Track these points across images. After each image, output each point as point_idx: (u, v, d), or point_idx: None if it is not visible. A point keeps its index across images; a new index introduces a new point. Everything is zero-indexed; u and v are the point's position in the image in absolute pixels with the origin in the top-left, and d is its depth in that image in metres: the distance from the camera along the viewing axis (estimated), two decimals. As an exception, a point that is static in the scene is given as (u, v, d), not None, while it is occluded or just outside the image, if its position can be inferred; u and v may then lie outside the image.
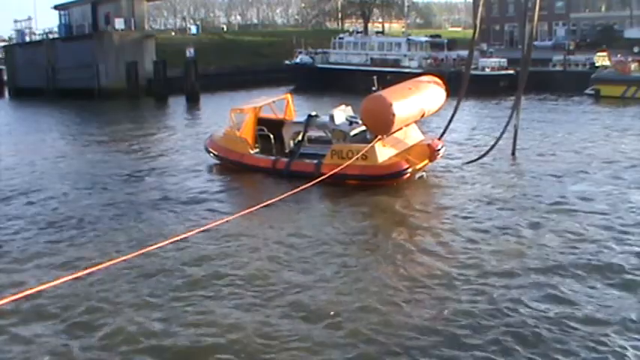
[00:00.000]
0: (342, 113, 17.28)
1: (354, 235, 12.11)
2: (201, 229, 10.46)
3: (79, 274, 7.88)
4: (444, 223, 12.79)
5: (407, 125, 16.49)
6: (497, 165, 17.76)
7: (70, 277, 7.54)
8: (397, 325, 8.38)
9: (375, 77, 17.57)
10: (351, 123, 16.87)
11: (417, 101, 16.24)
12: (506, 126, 18.54)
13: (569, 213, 13.18)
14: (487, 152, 17.97)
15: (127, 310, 9.01)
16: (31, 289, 7.37)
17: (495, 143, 18.13)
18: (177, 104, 40.49)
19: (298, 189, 12.53)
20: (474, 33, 21.60)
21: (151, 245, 9.23)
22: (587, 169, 17.31)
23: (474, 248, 11.19)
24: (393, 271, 10.27)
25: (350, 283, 9.79)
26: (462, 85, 19.10)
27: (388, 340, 8.01)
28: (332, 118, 16.97)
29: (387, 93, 15.71)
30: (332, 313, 8.70)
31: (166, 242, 9.39)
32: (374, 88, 16.73)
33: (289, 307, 9.00)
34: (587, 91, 34.93)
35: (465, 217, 13.09)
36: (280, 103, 19.02)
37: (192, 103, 40.78)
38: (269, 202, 11.35)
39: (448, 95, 17.95)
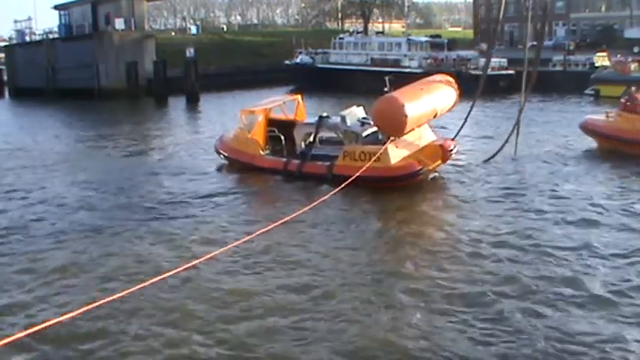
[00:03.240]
0: (353, 114, 17.17)
1: (372, 238, 12.08)
2: (225, 248, 10.14)
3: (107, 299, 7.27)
4: (461, 224, 12.74)
5: (419, 126, 16.39)
6: (501, 166, 17.75)
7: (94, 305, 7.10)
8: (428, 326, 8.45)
9: (387, 78, 17.36)
10: (362, 124, 16.76)
11: (430, 101, 16.12)
12: (513, 128, 18.57)
13: (572, 212, 13.21)
14: (498, 151, 18.14)
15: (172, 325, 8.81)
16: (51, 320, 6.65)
17: (505, 142, 18.34)
18: (177, 104, 40.48)
19: (320, 200, 12.19)
20: (490, 46, 21.32)
21: (177, 268, 8.57)
22: (588, 168, 17.40)
23: (491, 245, 11.32)
24: (418, 274, 10.25)
25: (376, 289, 9.71)
26: (478, 88, 18.97)
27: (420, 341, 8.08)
28: (343, 119, 16.84)
29: (399, 94, 15.60)
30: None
31: (195, 262, 9.05)
32: (386, 89, 16.56)
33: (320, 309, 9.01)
34: (587, 91, 34.94)
35: (480, 217, 13.14)
36: (291, 104, 18.91)
37: (192, 103, 40.78)
38: (292, 215, 10.98)
39: (461, 94, 17.88)
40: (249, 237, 10.25)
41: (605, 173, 16.81)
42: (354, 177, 14.09)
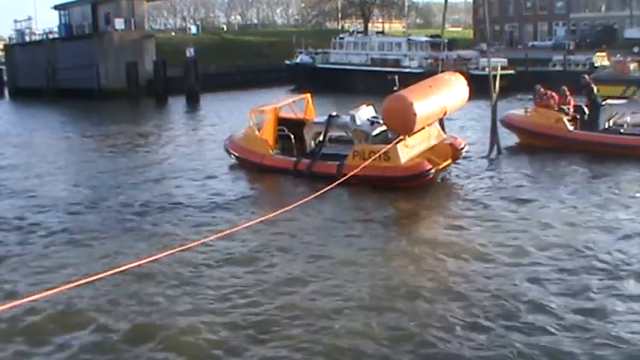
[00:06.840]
0: (363, 113, 17.08)
1: (379, 238, 12.02)
2: (224, 233, 10.15)
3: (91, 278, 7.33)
4: (466, 222, 12.73)
5: (429, 125, 16.26)
6: (501, 167, 17.82)
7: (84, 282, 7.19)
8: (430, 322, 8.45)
9: (396, 77, 17.27)
10: (372, 123, 16.67)
11: (439, 99, 16.00)
12: (493, 125, 18.92)
13: (567, 208, 13.23)
14: (499, 147, 18.58)
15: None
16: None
17: (493, 140, 18.64)
18: (177, 104, 40.47)
19: (321, 191, 12.10)
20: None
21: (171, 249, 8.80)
22: (586, 167, 17.44)
23: (492, 245, 11.32)
24: (423, 274, 10.18)
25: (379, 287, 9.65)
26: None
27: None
28: (353, 118, 16.72)
29: (408, 92, 15.54)
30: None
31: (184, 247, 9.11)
32: (395, 88, 16.50)
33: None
34: (586, 91, 34.91)
35: (485, 213, 13.24)
36: (300, 103, 18.82)
37: (192, 103, 40.81)
38: (292, 206, 10.90)
39: (472, 92, 17.86)
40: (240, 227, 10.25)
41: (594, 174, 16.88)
42: (351, 173, 13.90)
